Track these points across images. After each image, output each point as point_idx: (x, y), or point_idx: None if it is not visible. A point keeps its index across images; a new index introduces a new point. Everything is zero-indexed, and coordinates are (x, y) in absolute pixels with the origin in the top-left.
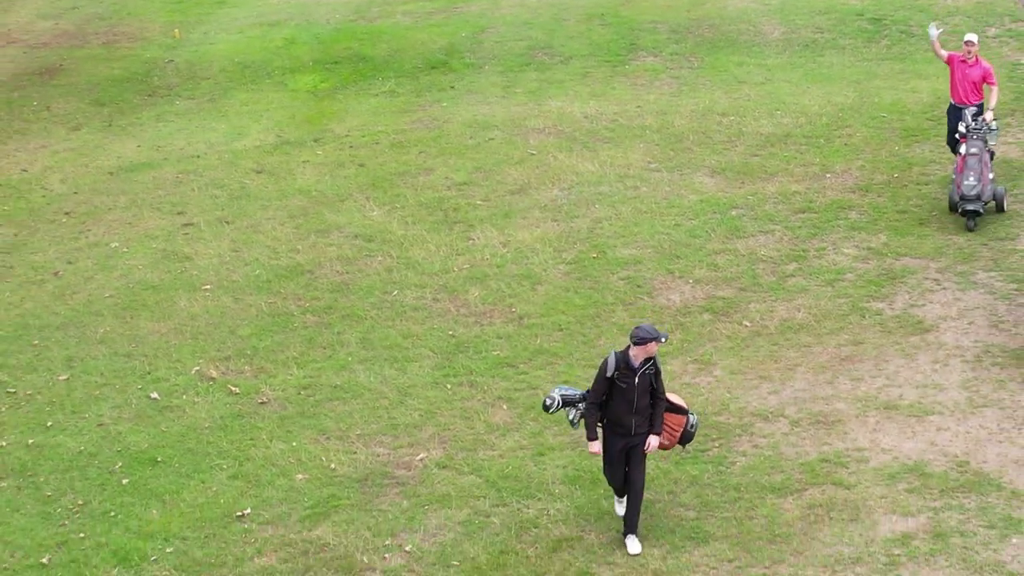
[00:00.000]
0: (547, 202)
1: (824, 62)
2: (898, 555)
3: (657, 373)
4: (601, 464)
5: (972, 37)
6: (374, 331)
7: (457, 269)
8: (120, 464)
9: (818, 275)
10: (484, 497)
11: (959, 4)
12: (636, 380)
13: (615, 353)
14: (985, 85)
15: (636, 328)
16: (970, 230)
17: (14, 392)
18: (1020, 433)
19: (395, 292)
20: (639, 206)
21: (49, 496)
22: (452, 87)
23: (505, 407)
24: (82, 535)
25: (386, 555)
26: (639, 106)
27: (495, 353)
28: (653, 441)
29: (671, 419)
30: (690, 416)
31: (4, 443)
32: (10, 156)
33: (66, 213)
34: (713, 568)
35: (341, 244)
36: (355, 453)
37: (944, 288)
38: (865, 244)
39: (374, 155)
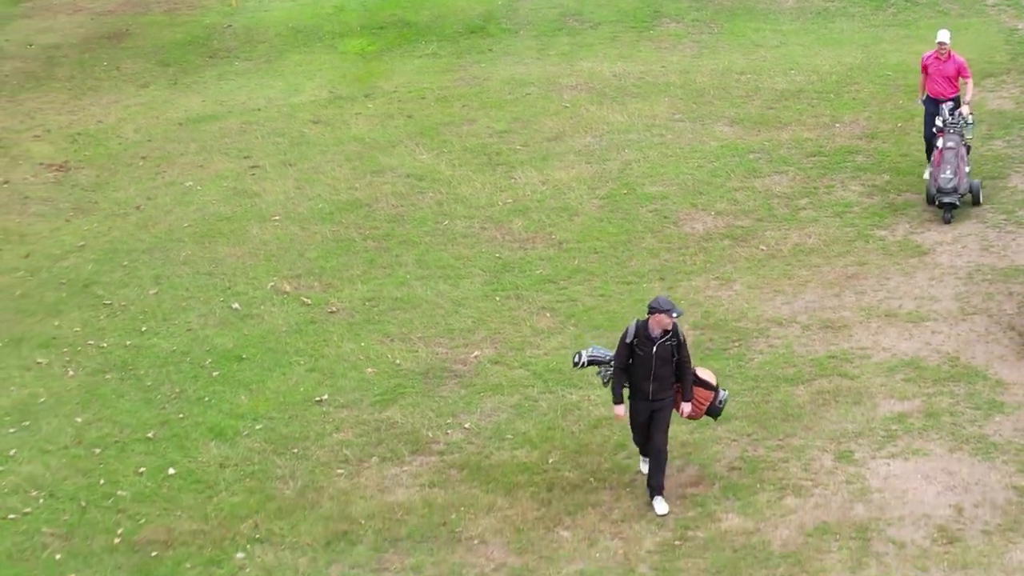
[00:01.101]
0: (581, 147)
1: (835, 28)
2: (895, 430)
3: (680, 345)
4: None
5: (944, 37)
6: (428, 254)
7: (501, 203)
8: (209, 360)
9: (827, 208)
10: (532, 386)
11: None
12: (654, 349)
13: (636, 321)
14: (960, 79)
15: (653, 299)
16: (947, 222)
17: (110, 304)
18: (1004, 335)
19: (446, 222)
20: (665, 151)
21: (149, 386)
22: (490, 50)
23: (548, 315)
24: (181, 416)
25: (448, 431)
26: (663, 66)
27: (538, 272)
28: (686, 408)
29: (699, 393)
30: (720, 391)
31: (105, 344)
32: (85, 110)
33: (142, 158)
34: (734, 440)
35: (395, 182)
36: (417, 352)
37: (941, 220)
38: (870, 182)
39: (420, 108)
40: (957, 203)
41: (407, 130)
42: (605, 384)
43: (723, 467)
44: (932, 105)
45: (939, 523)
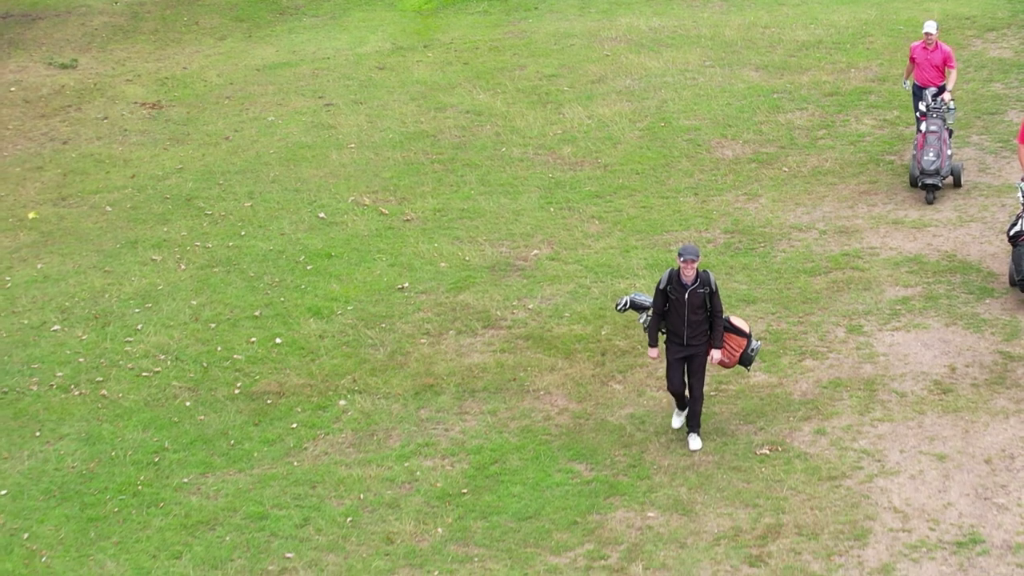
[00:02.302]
0: (621, 88)
1: None
2: (899, 309)
3: (712, 294)
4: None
5: (931, 28)
6: (490, 175)
7: (552, 134)
8: (303, 257)
9: (843, 138)
10: (584, 277)
11: None
12: (687, 296)
13: (670, 270)
14: (946, 68)
15: (682, 246)
16: (929, 203)
17: (211, 214)
18: (996, 238)
19: (503, 149)
20: (697, 91)
21: (252, 276)
22: (536, 8)
23: (597, 223)
24: (282, 299)
25: (514, 311)
26: (695, 21)
27: (587, 188)
28: (715, 354)
29: (732, 340)
30: (752, 341)
31: (210, 245)
32: (170, 59)
33: (226, 98)
34: (760, 317)
35: (456, 117)
36: (483, 250)
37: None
38: (882, 117)
39: (475, 57)
40: (939, 185)
41: (464, 75)
42: (645, 330)
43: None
44: (919, 91)
45: (935, 378)
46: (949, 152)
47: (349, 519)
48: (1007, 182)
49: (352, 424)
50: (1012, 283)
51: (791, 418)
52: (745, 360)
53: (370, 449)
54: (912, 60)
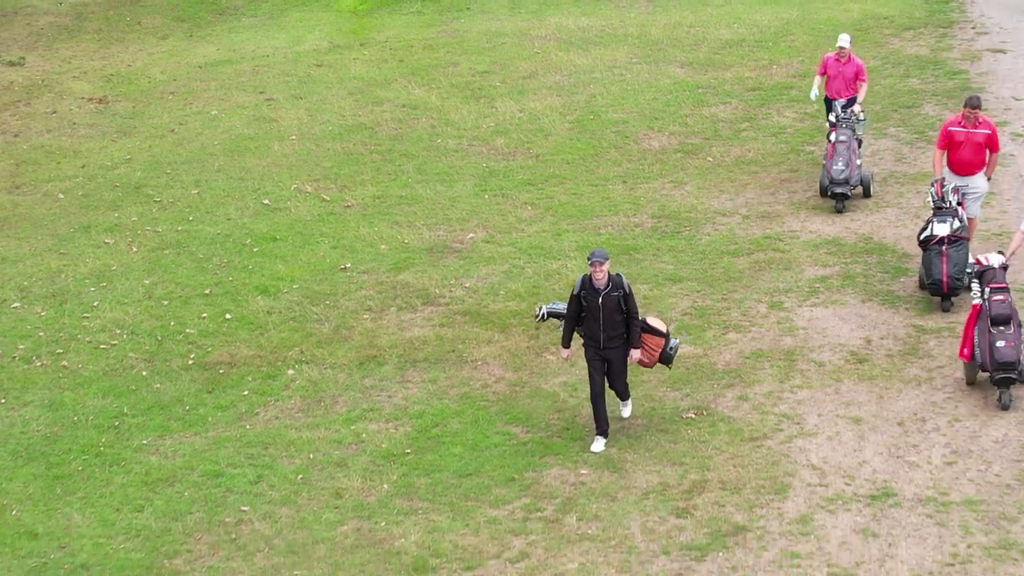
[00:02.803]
0: (552, 84)
1: None
2: (818, 287)
3: (626, 296)
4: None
5: (845, 42)
6: (426, 164)
7: (485, 126)
8: (249, 240)
9: (765, 130)
10: (518, 258)
11: None
12: (600, 300)
13: (583, 275)
14: (858, 81)
15: (592, 251)
16: (839, 211)
17: (160, 201)
18: (911, 220)
19: (438, 140)
20: (624, 87)
21: (201, 258)
22: (468, 8)
23: (530, 208)
24: (231, 279)
25: (452, 289)
26: (622, 21)
27: (519, 177)
28: (635, 354)
29: (649, 340)
30: (671, 339)
31: (160, 229)
32: (115, 56)
33: (170, 93)
34: (686, 295)
35: (393, 111)
36: (421, 234)
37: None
38: (802, 111)
39: (410, 54)
40: (848, 194)
41: (400, 71)
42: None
43: (678, 313)
44: (830, 104)
45: (851, 349)
46: (858, 162)
47: (300, 476)
48: (921, 170)
49: (300, 391)
50: (922, 286)
51: (715, 385)
52: (665, 358)
53: (318, 414)
54: (823, 73)
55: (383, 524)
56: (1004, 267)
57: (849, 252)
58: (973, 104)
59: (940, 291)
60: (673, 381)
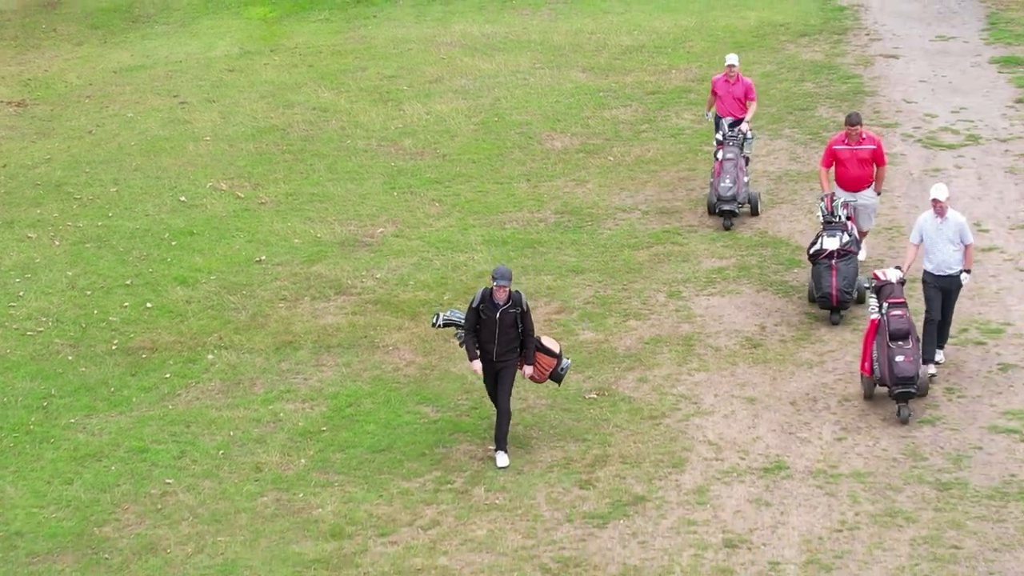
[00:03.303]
0: (457, 88)
1: None
2: (715, 277)
3: (524, 314)
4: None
5: (733, 61)
6: (337, 163)
7: (393, 128)
8: (167, 235)
9: (664, 131)
10: (427, 251)
11: None
12: (498, 315)
13: (484, 289)
14: (747, 100)
15: (495, 269)
16: (727, 229)
17: (80, 198)
18: (804, 217)
19: (348, 141)
20: (528, 90)
21: (121, 251)
22: (374, 16)
23: (437, 205)
24: (151, 270)
25: (363, 280)
26: (525, 28)
27: (427, 175)
28: (527, 369)
29: (542, 359)
30: (563, 360)
31: (80, 224)
32: (31, 62)
33: (87, 97)
34: (589, 285)
35: (303, 113)
36: (333, 229)
37: (758, 138)
38: (700, 113)
39: (319, 60)
40: (736, 211)
41: (309, 76)
42: (460, 345)
43: (580, 302)
44: (719, 122)
45: (747, 335)
46: (746, 180)
47: (221, 452)
48: (814, 169)
49: (220, 374)
50: (811, 299)
51: (616, 368)
52: (555, 377)
53: (237, 395)
54: (714, 92)
55: (301, 495)
56: (901, 282)
57: (745, 245)
58: (853, 122)
59: (829, 304)
60: (575, 365)
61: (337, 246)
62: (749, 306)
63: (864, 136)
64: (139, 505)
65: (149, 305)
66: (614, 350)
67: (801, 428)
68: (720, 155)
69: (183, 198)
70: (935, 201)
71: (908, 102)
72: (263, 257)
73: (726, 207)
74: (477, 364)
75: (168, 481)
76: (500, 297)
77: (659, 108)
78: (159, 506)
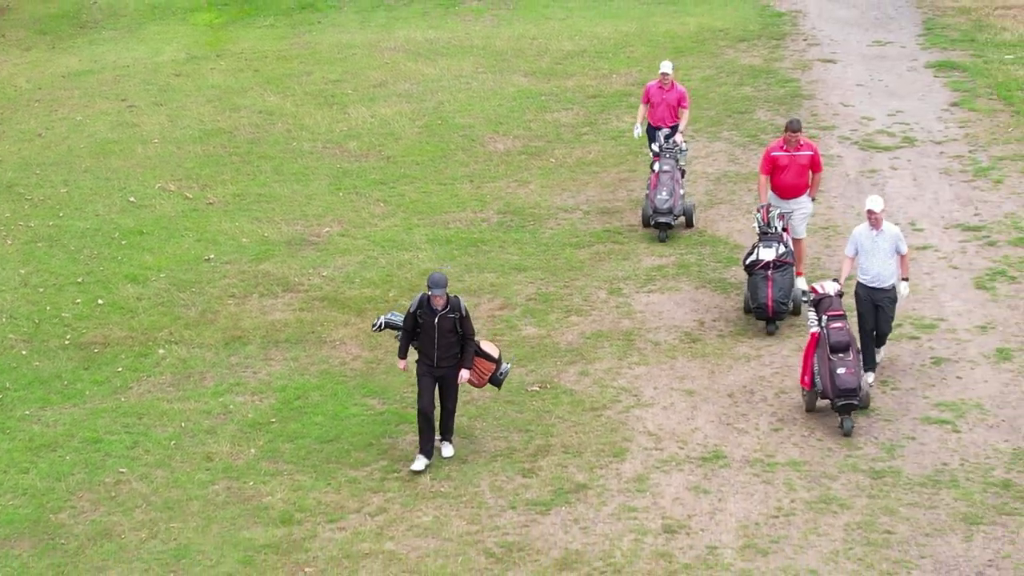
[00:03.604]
0: (401, 92)
1: (613, 3)
2: (655, 275)
3: (462, 319)
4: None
5: (667, 68)
6: (283, 165)
7: (338, 131)
8: (117, 234)
9: (605, 134)
10: (372, 250)
11: None
12: (436, 320)
13: (422, 294)
14: (680, 108)
15: (430, 276)
16: (662, 241)
17: (31, 199)
18: (743, 216)
19: (294, 143)
20: (471, 94)
21: (73, 250)
22: (319, 22)
23: (382, 205)
24: (101, 268)
25: (310, 278)
26: (467, 33)
27: (372, 177)
28: (464, 373)
29: (481, 364)
30: (502, 364)
31: (32, 224)
32: None
33: (36, 101)
34: (531, 283)
35: (250, 117)
36: (280, 228)
37: (697, 140)
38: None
39: (264, 65)
40: (672, 224)
41: (255, 80)
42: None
43: (523, 299)
44: (653, 132)
45: (686, 330)
46: (682, 192)
47: (173, 442)
48: (752, 170)
49: (171, 368)
50: (747, 310)
51: (558, 362)
52: (494, 381)
53: (188, 388)
54: (646, 100)
55: (251, 484)
56: (839, 294)
57: (684, 244)
58: (794, 128)
59: (765, 315)
60: (518, 359)
61: (284, 245)
62: (688, 302)
63: (802, 142)
64: (93, 493)
65: (100, 302)
66: (556, 345)
67: (738, 419)
68: (656, 167)
69: (132, 199)
70: (870, 213)
71: (845, 105)
72: (212, 256)
73: (662, 219)
74: (402, 364)
75: (121, 470)
76: (437, 304)
77: (600, 111)
78: (113, 494)
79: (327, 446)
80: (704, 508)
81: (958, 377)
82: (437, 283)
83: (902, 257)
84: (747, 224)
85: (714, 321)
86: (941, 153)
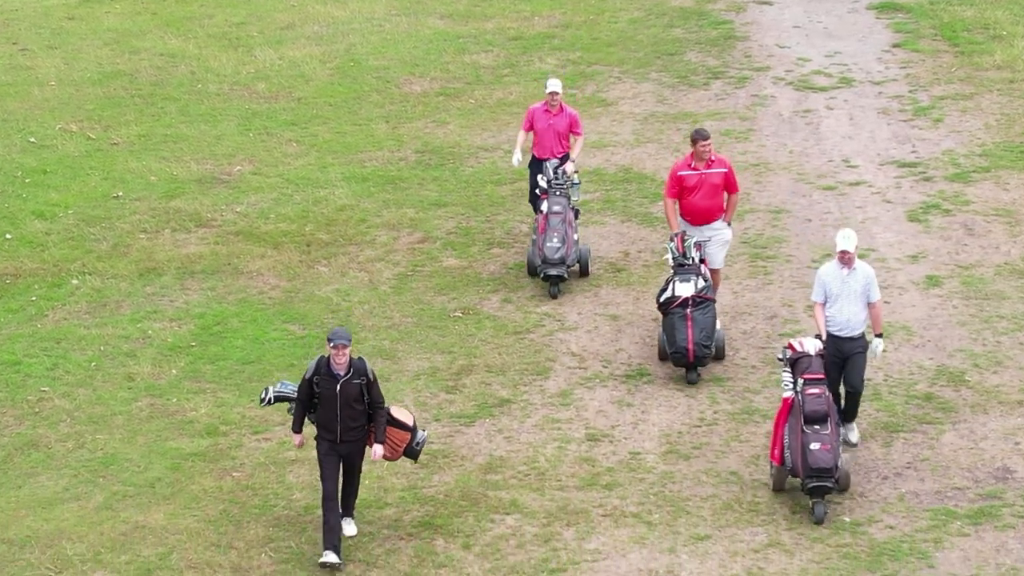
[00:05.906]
0: (310, 34)
1: None
2: (580, 210)
3: (370, 384)
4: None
5: (556, 87)
6: (189, 106)
7: (245, 73)
8: (20, 173)
9: (527, 75)
10: (286, 187)
11: None
12: (338, 387)
13: (320, 357)
14: (572, 135)
15: (332, 331)
16: (553, 297)
17: None
18: (671, 154)
19: (199, 85)
20: (384, 37)
21: None
22: None
23: (295, 145)
24: (6, 205)
25: (223, 213)
26: None
27: (283, 118)
28: (378, 449)
29: (394, 434)
30: (417, 433)
31: None
32: None
33: None
34: (451, 217)
35: (151, 59)
36: (189, 167)
37: (624, 81)
38: (564, 57)
39: (163, 7)
40: (565, 276)
41: (154, 23)
42: (295, 427)
43: (443, 233)
44: (538, 166)
45: (610, 261)
46: (576, 236)
47: (93, 364)
48: (681, 111)
49: (86, 297)
50: (663, 356)
51: (481, 291)
52: (410, 453)
53: (104, 315)
54: (529, 127)
55: (175, 400)
56: (820, 355)
57: (609, 181)
58: (702, 136)
59: (685, 361)
60: (440, 288)
61: (194, 183)
62: (613, 235)
63: (714, 158)
64: (17, 409)
65: (8, 236)
66: (478, 275)
67: None
68: (545, 207)
69: (32, 139)
70: (843, 252)
71: (781, 47)
72: (120, 193)
73: (553, 272)
74: (297, 439)
75: (44, 389)
76: (340, 363)
77: (522, 53)
78: (37, 410)
79: (248, 367)
80: (627, 419)
81: (886, 302)
82: (340, 335)
83: (873, 306)
84: (674, 159)
85: (639, 252)
86: (880, 93)
